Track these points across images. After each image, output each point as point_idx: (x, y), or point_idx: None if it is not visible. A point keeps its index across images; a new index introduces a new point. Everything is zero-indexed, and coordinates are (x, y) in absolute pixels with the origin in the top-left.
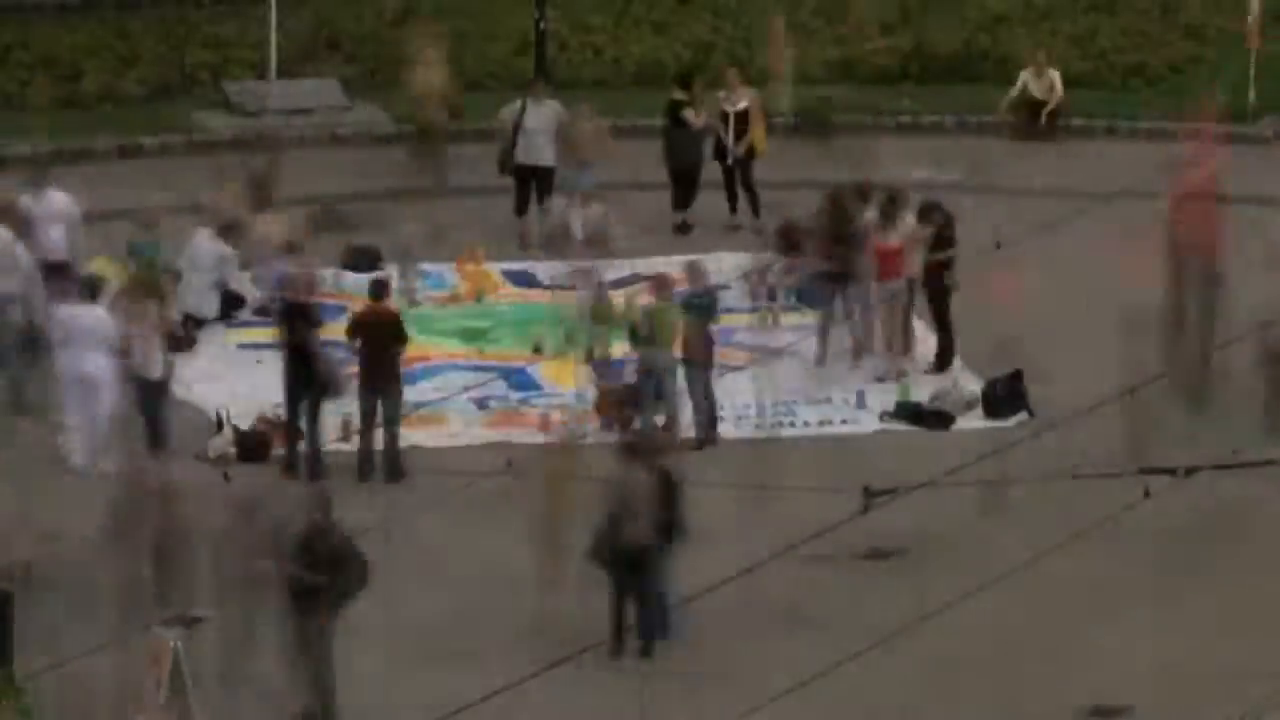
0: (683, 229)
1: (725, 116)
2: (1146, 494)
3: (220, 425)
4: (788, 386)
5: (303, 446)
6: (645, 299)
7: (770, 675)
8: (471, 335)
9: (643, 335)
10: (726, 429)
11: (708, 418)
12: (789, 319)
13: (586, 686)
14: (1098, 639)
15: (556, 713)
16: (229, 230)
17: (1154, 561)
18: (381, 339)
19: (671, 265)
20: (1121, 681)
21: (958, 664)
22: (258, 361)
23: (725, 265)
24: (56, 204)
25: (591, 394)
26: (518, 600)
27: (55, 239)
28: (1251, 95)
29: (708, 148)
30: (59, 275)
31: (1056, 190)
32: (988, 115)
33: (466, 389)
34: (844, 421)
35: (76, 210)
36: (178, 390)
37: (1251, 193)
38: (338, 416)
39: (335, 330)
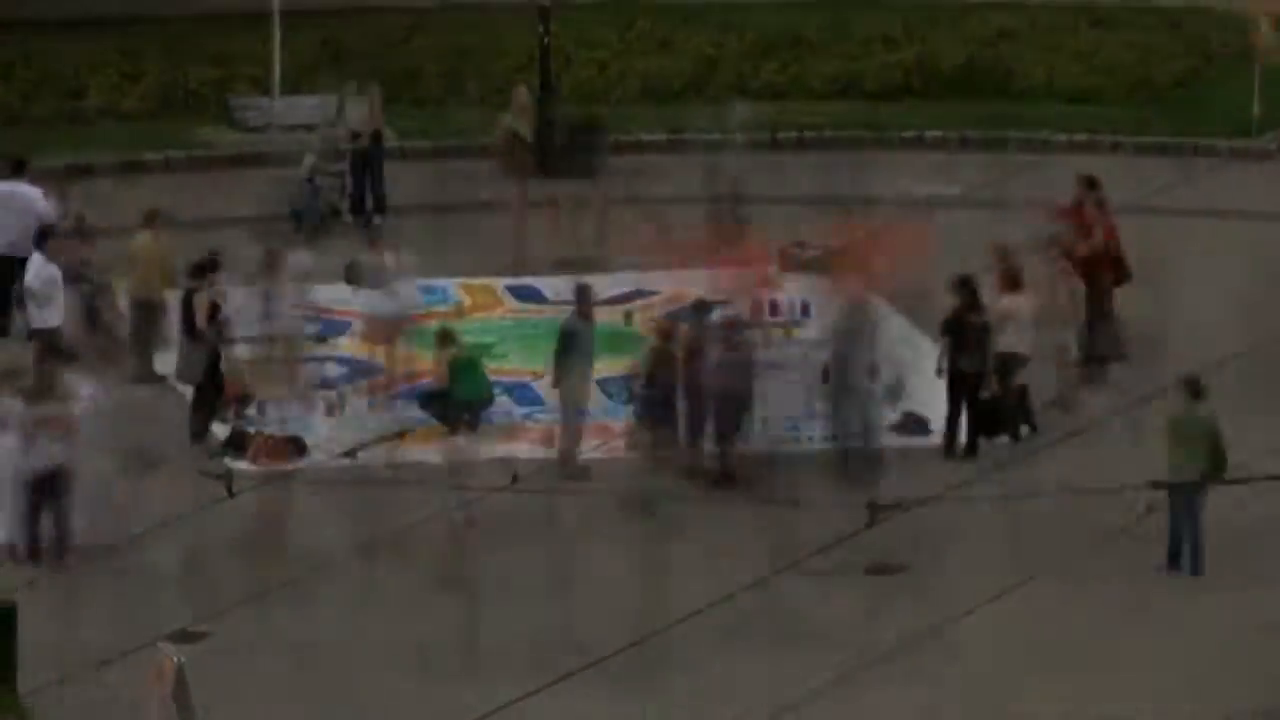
0: None
1: None
2: (1148, 509)
3: (238, 443)
4: (795, 402)
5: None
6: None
7: (775, 687)
8: (477, 351)
9: None
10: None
11: None
12: (798, 333)
13: (591, 699)
14: (1098, 650)
15: None
16: None
17: (1154, 574)
18: None
19: (670, 280)
20: (1121, 691)
21: (961, 676)
22: None
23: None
24: None
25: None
26: (523, 612)
27: None
28: (1255, 109)
29: None
30: None
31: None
32: (993, 131)
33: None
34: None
35: None
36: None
37: (1255, 208)
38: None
39: (343, 345)
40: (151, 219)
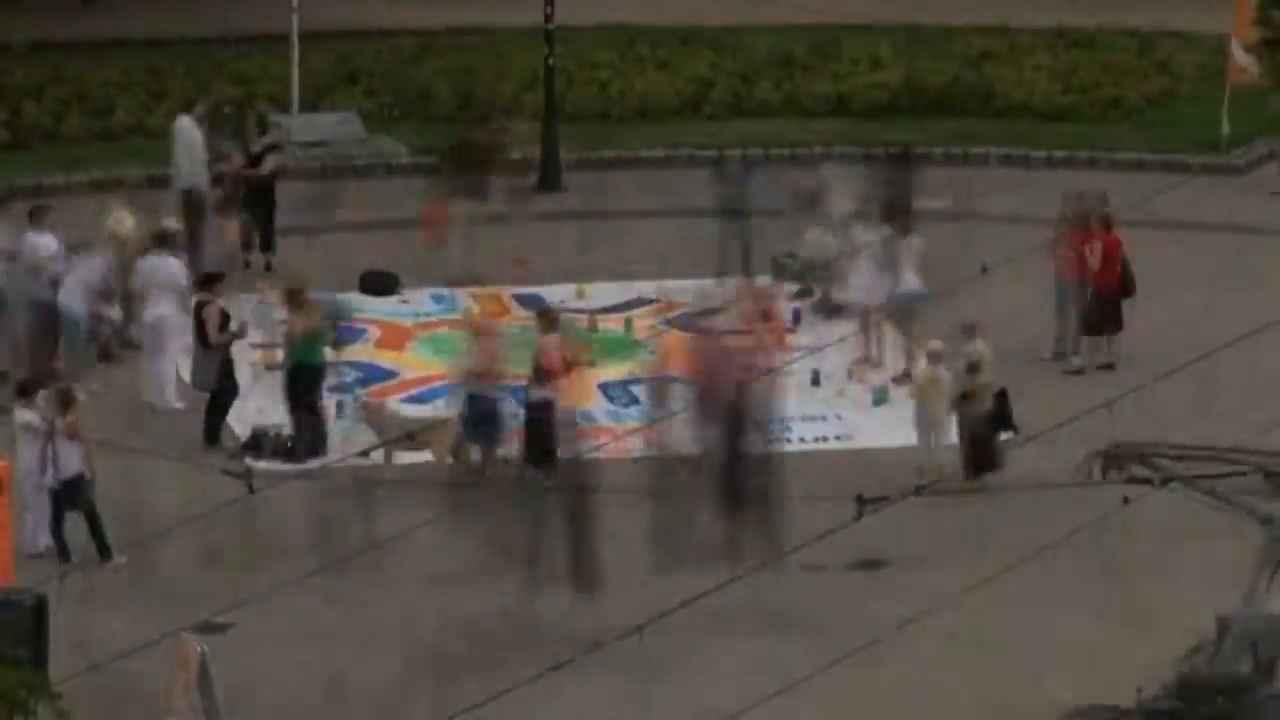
0: None
1: None
2: (1125, 501)
3: (257, 443)
4: (787, 403)
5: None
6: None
7: (767, 675)
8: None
9: None
10: None
11: None
12: (789, 340)
13: (590, 688)
14: (1078, 641)
15: (560, 712)
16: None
17: (1131, 566)
18: None
19: (669, 290)
20: (1100, 682)
21: (945, 665)
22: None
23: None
24: None
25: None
26: (523, 605)
27: None
28: (1225, 127)
29: None
30: None
31: (1038, 218)
32: (975, 147)
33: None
34: (838, 437)
35: None
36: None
37: (1226, 221)
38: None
39: (354, 352)
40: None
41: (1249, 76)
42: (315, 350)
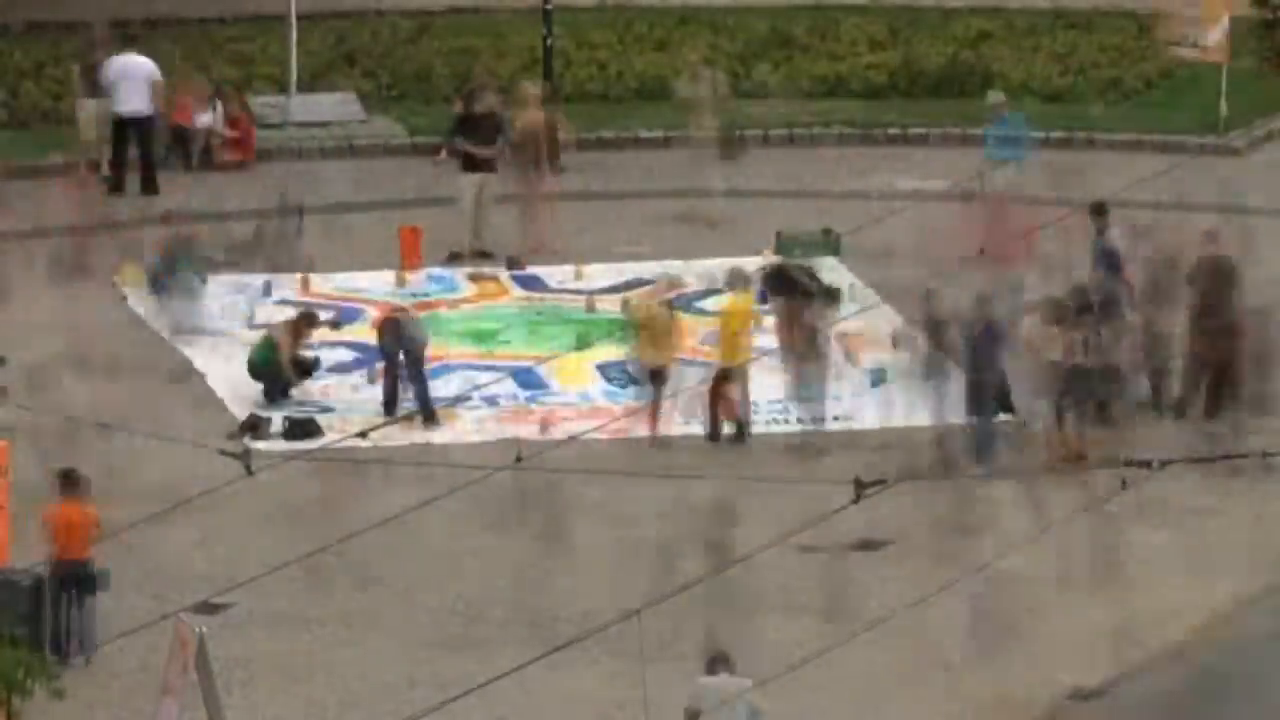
0: None
1: None
2: (1124, 485)
3: (255, 425)
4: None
5: None
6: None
7: (766, 658)
8: (482, 337)
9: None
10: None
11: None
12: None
13: (588, 670)
14: (1077, 623)
15: (560, 694)
16: None
17: (1130, 549)
18: None
19: (667, 270)
20: (1099, 664)
21: (944, 647)
22: None
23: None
24: None
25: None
26: (524, 588)
27: None
28: (1223, 109)
29: None
30: None
31: (1037, 199)
32: (973, 128)
33: (478, 387)
34: (835, 419)
35: None
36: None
37: (1224, 201)
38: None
39: (356, 331)
40: None
41: (1217, 56)
42: None
